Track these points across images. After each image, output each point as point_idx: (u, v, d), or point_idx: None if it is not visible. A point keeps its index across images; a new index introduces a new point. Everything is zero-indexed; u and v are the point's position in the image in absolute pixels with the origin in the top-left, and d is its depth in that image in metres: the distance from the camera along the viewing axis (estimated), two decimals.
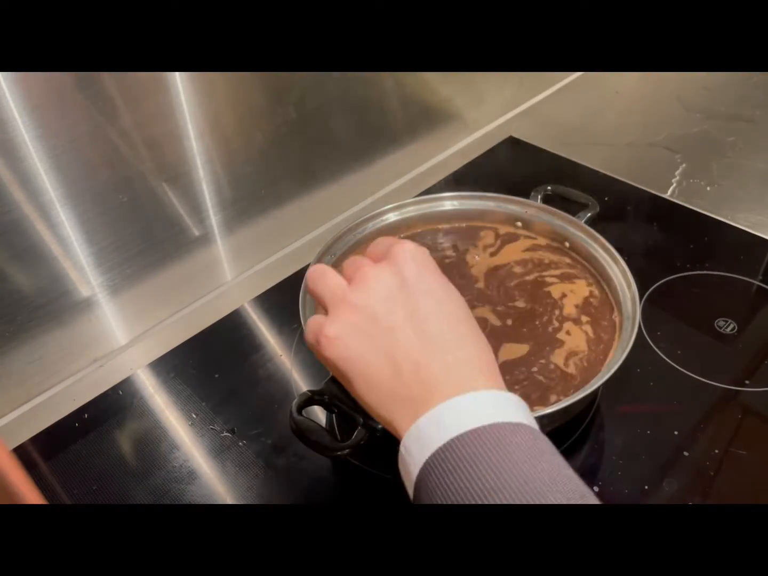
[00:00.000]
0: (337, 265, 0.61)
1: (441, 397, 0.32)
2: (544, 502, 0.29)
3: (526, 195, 0.66)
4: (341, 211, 0.81)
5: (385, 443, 0.47)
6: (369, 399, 0.35)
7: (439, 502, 0.30)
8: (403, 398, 0.34)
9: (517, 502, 0.28)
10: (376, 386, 0.35)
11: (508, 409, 0.33)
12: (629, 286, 0.55)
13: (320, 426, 0.47)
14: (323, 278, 0.39)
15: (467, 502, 0.29)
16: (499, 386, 0.34)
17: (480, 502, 0.29)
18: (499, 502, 0.29)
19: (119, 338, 0.66)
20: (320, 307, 0.41)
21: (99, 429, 0.57)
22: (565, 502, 0.29)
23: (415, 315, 0.35)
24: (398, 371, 0.34)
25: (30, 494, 0.28)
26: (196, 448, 0.55)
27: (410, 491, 0.33)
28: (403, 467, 0.33)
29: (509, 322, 0.56)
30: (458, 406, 0.32)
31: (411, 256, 0.37)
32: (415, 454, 0.32)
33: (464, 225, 0.66)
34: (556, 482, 0.30)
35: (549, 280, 0.60)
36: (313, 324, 0.38)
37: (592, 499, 0.30)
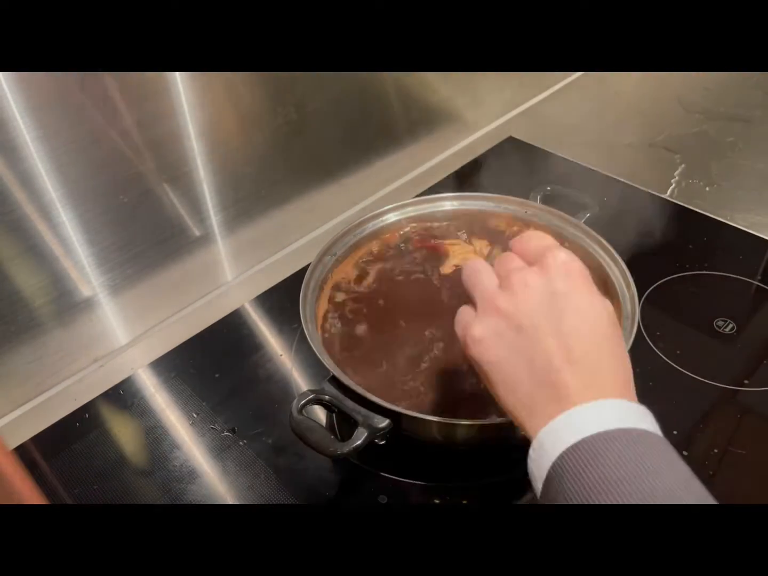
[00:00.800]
0: (336, 266, 0.61)
1: (574, 404, 0.34)
2: (675, 502, 0.30)
3: (526, 195, 0.66)
4: (341, 211, 0.81)
5: (385, 443, 0.48)
6: (506, 400, 0.37)
7: (570, 495, 0.31)
8: (537, 403, 0.36)
9: (648, 500, 0.30)
10: (514, 390, 0.37)
11: (638, 418, 0.34)
12: (628, 286, 0.55)
13: (320, 426, 0.47)
14: (477, 274, 0.40)
15: (599, 494, 0.30)
16: (629, 396, 0.36)
17: (612, 494, 0.30)
18: (628, 496, 0.30)
19: (120, 338, 0.66)
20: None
21: (100, 429, 0.57)
22: (695, 503, 0.30)
23: (559, 331, 0.36)
24: (537, 382, 0.36)
25: (30, 494, 0.28)
26: (197, 447, 0.56)
27: (539, 485, 0.34)
28: (534, 462, 0.35)
29: None
30: (590, 412, 0.34)
31: (565, 271, 0.37)
32: (548, 448, 0.34)
33: (464, 225, 0.66)
34: (689, 484, 0.31)
35: None
36: (461, 317, 0.40)
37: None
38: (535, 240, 0.40)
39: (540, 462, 0.34)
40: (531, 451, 0.35)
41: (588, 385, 0.35)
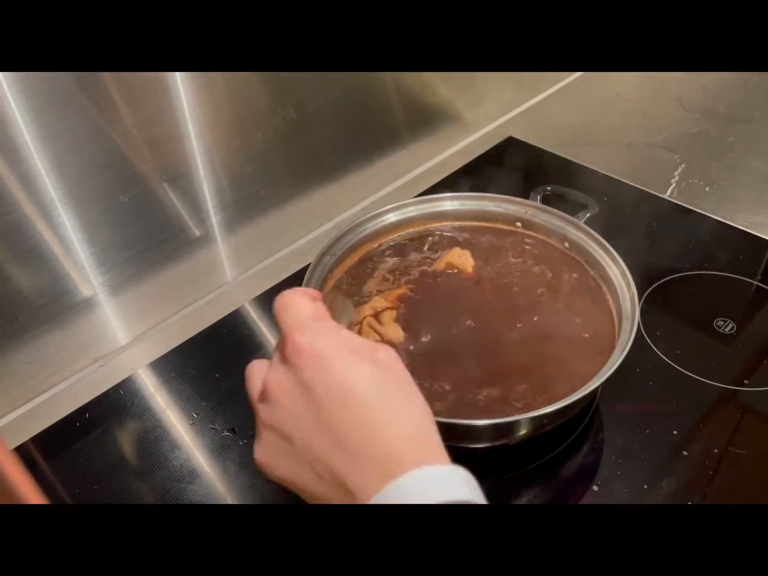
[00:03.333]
0: (336, 266, 0.61)
1: (363, 499, 0.31)
2: None
3: (526, 195, 0.66)
4: (341, 211, 0.81)
5: None
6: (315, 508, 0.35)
7: None
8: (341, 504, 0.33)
9: None
10: (316, 498, 0.34)
11: (451, 485, 0.31)
12: (628, 286, 0.55)
13: None
14: (250, 382, 0.38)
15: None
16: (421, 459, 0.32)
17: None
18: None
19: (120, 338, 0.66)
20: None
21: (100, 429, 0.57)
22: None
23: (322, 425, 0.33)
24: (326, 483, 0.33)
25: (30, 494, 0.28)
26: (197, 447, 0.56)
27: None
28: None
29: (509, 321, 0.56)
30: (380, 504, 0.31)
31: (306, 357, 0.34)
32: None
33: (464, 225, 0.66)
34: None
35: (547, 279, 0.60)
36: (251, 392, 0.38)
37: None
38: (278, 316, 0.37)
39: None
40: None
41: (373, 468, 0.31)
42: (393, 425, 0.33)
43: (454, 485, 0.31)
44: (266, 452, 0.36)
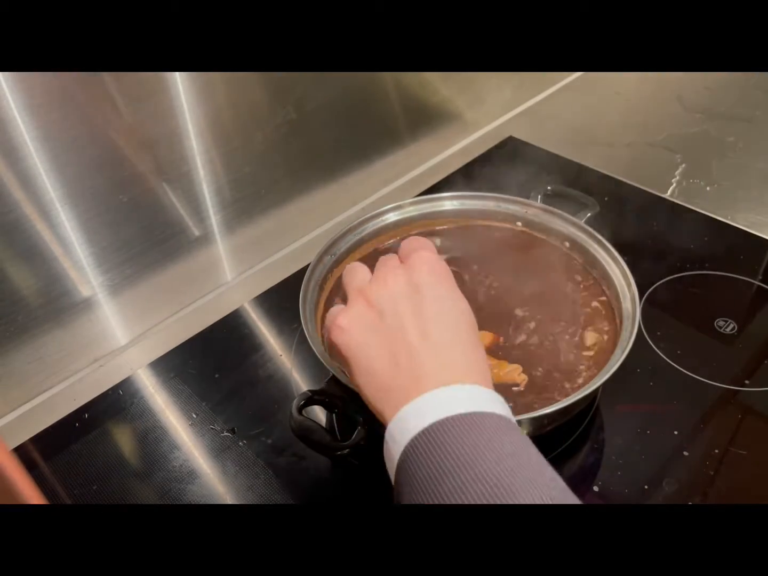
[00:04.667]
0: (336, 266, 0.61)
1: (427, 389, 0.35)
2: (515, 480, 0.30)
3: (526, 195, 0.66)
4: (341, 211, 0.81)
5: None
6: (365, 389, 0.38)
7: (418, 483, 0.31)
8: (394, 389, 0.36)
9: (492, 477, 0.30)
10: (373, 377, 0.37)
11: (486, 401, 0.35)
12: (629, 286, 0.55)
13: (320, 426, 0.47)
14: (353, 272, 0.43)
15: (443, 478, 0.31)
16: (484, 384, 0.36)
17: (455, 477, 0.30)
18: (474, 477, 0.30)
19: (119, 338, 0.66)
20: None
21: (99, 429, 0.57)
22: (537, 477, 0.31)
23: (419, 317, 0.37)
24: (395, 364, 0.36)
25: (30, 494, 0.28)
26: (197, 448, 0.55)
27: (392, 476, 0.34)
28: (387, 454, 0.35)
29: (509, 321, 0.56)
30: (439, 397, 0.34)
31: (428, 267, 0.40)
32: (398, 439, 0.34)
33: (464, 225, 0.66)
34: (540, 469, 0.32)
35: (548, 279, 0.60)
36: (331, 313, 0.42)
37: (556, 481, 0.32)
38: (411, 243, 0.43)
39: (391, 452, 0.34)
40: (384, 441, 0.35)
41: (443, 366, 0.36)
42: (465, 353, 0.37)
43: (489, 398, 0.35)
44: (351, 319, 0.39)
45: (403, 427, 0.34)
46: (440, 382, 0.35)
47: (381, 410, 0.36)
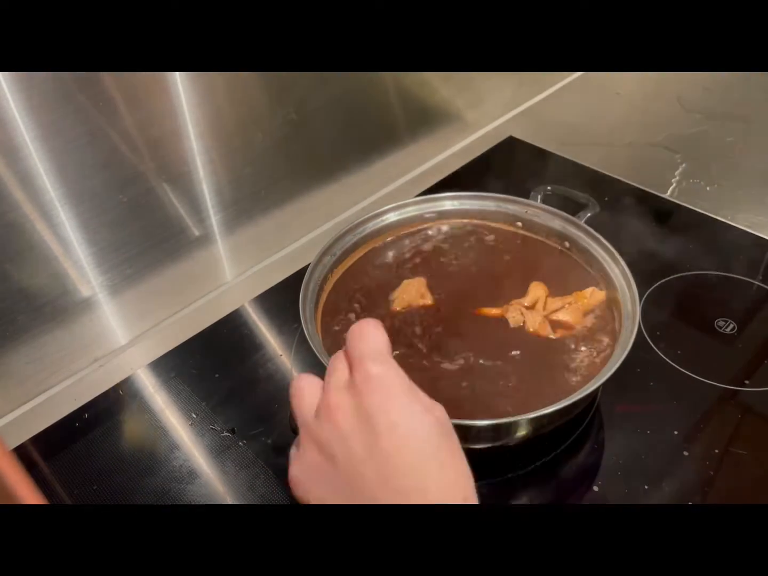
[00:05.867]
0: (336, 266, 0.61)
1: None
2: None
3: (526, 195, 0.66)
4: (341, 211, 0.81)
5: None
6: None
7: None
8: None
9: None
10: None
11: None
12: (629, 286, 0.55)
13: None
14: (298, 397, 0.38)
15: None
16: (463, 500, 0.33)
17: None
18: None
19: (119, 338, 0.66)
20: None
21: (99, 429, 0.57)
22: None
23: (375, 457, 0.33)
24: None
25: (30, 494, 0.28)
26: (197, 447, 0.55)
27: None
28: None
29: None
30: None
31: (375, 385, 0.34)
32: None
33: (464, 225, 0.66)
34: None
35: (548, 279, 0.60)
36: (289, 459, 0.38)
37: None
38: (355, 341, 0.37)
39: None
40: None
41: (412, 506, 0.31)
42: (440, 480, 0.33)
43: None
44: (303, 469, 0.36)
45: None
46: None
47: None
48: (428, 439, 0.33)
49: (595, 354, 0.53)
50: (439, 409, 0.35)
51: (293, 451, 0.38)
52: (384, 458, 0.32)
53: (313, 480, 0.35)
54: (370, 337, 0.37)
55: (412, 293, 0.58)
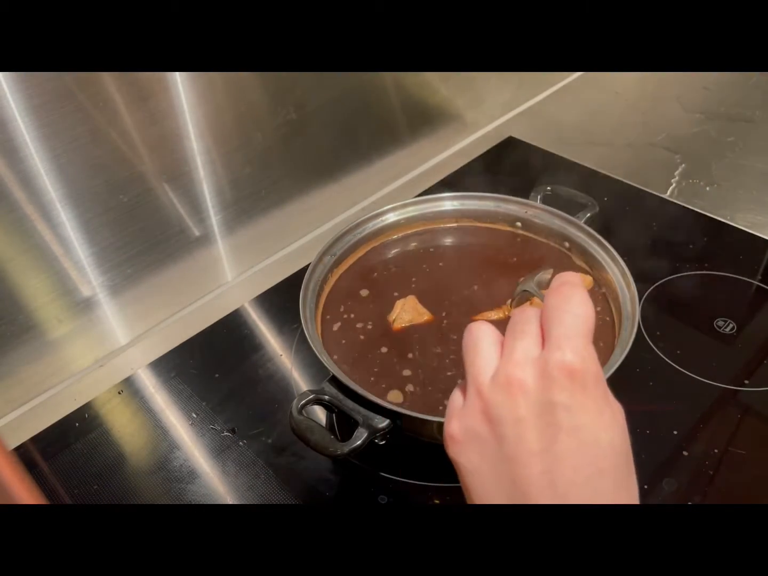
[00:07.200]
0: (336, 266, 0.61)
1: None
2: None
3: (526, 195, 0.66)
4: (341, 211, 0.81)
5: (385, 443, 0.48)
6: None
7: None
8: None
9: None
10: (486, 502, 0.32)
11: None
12: (628, 286, 0.55)
13: (320, 426, 0.47)
14: (475, 348, 0.34)
15: None
16: None
17: None
18: None
19: (120, 338, 0.66)
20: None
21: (99, 429, 0.57)
22: None
23: (547, 452, 0.30)
24: (505, 490, 0.31)
25: (30, 494, 0.28)
26: (197, 447, 0.56)
27: None
28: None
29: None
30: None
31: (571, 381, 0.30)
32: None
33: (464, 225, 0.66)
34: None
35: (547, 279, 0.60)
36: (451, 400, 0.35)
37: None
38: (555, 312, 0.32)
39: None
40: None
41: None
42: (610, 501, 0.30)
43: None
44: (466, 430, 0.32)
45: None
46: None
47: None
48: (609, 451, 0.30)
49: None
50: (620, 413, 0.32)
51: (457, 401, 0.34)
52: (557, 459, 0.30)
53: (473, 447, 0.32)
54: (578, 310, 0.32)
55: (410, 311, 0.57)
